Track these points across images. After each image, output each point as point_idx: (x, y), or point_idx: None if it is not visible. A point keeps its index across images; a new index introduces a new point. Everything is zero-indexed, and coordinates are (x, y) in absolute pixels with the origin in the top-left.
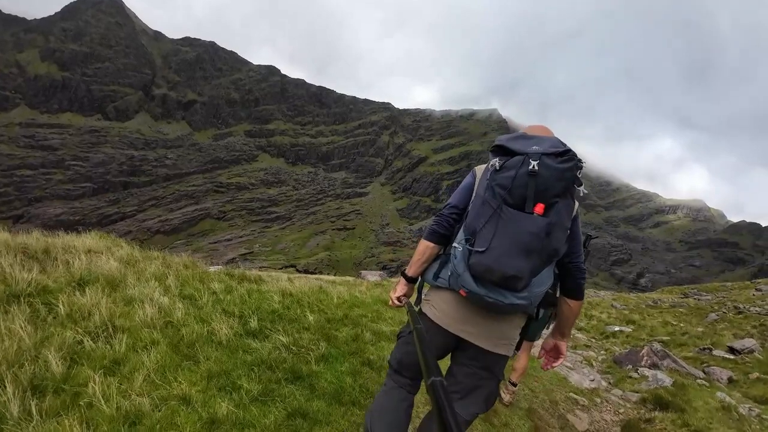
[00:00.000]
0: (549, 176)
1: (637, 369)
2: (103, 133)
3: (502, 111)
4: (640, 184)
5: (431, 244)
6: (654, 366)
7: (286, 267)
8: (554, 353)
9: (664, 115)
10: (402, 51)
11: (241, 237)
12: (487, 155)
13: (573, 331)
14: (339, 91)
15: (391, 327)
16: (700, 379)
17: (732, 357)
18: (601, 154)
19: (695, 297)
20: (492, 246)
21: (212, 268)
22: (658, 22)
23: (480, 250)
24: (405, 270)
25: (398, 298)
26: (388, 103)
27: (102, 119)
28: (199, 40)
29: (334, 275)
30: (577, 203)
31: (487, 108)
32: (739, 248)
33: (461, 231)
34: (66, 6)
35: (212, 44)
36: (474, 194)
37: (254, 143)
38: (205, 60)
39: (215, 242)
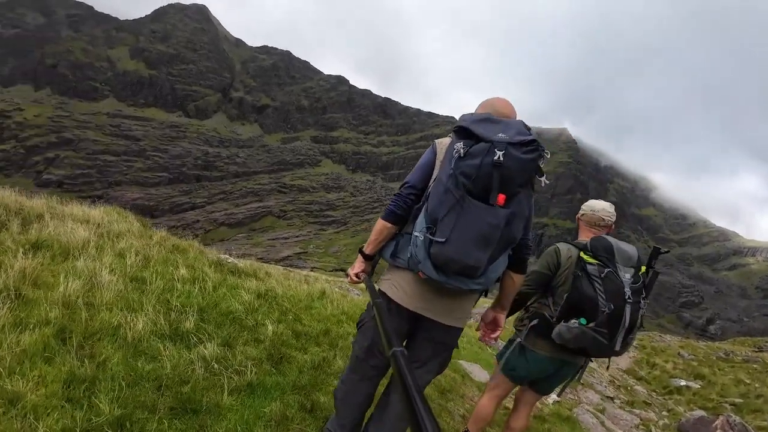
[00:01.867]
0: (513, 167)
1: None
2: (182, 129)
3: (573, 130)
4: (720, 222)
5: (389, 224)
6: None
7: (336, 270)
8: (493, 325)
9: (753, 149)
10: (472, 62)
11: (297, 236)
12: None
13: (632, 382)
14: (404, 102)
15: None
16: None
17: None
18: (680, 185)
19: None
20: (452, 237)
21: (223, 256)
22: (752, 44)
23: (440, 240)
24: (363, 248)
25: (356, 275)
26: (452, 117)
27: (182, 116)
28: (276, 48)
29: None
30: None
31: (557, 126)
32: None
33: (422, 217)
34: (156, 9)
35: (288, 53)
36: (435, 176)
37: (318, 149)
38: (280, 68)
39: (274, 239)
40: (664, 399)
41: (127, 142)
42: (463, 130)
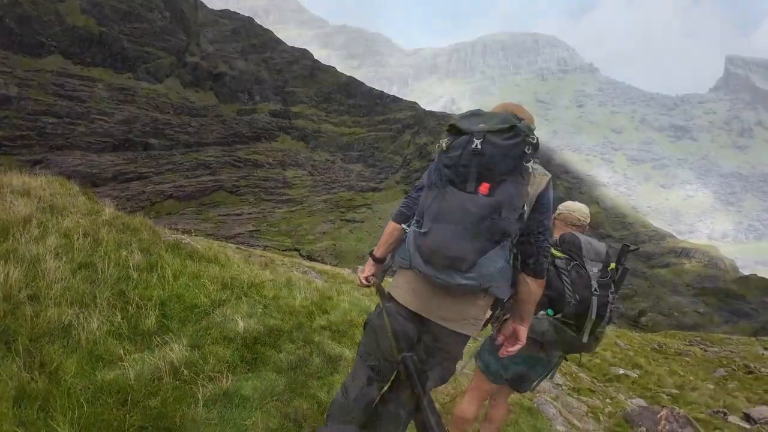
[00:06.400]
0: (494, 154)
1: None
2: (131, 93)
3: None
4: (660, 224)
5: (398, 225)
6: None
7: (290, 250)
8: (513, 339)
9: (707, 162)
10: (444, 49)
11: (250, 214)
12: None
13: (575, 369)
14: (369, 83)
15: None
16: None
17: (748, 426)
18: (627, 186)
19: (701, 346)
20: (433, 227)
21: (179, 237)
22: None
23: (423, 231)
24: (373, 251)
25: (366, 278)
26: (415, 103)
27: (132, 78)
28: (238, 14)
29: (336, 265)
30: (548, 176)
31: None
32: (745, 301)
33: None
34: None
35: (250, 20)
36: None
37: (277, 123)
38: (240, 34)
39: (225, 215)
40: (605, 386)
41: (70, 103)
42: (452, 127)
